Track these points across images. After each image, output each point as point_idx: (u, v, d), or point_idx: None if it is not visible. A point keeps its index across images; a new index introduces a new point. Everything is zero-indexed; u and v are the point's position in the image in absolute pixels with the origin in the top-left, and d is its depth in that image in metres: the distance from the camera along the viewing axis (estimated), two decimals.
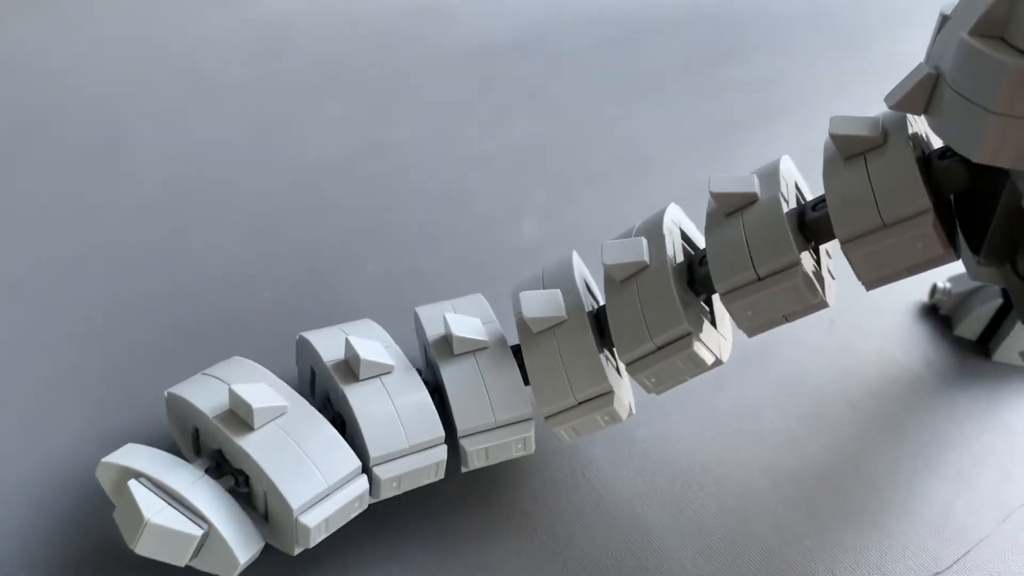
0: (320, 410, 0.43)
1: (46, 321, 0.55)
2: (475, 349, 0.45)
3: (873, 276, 0.38)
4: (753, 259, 0.39)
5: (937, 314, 0.61)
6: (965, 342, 0.59)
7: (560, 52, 0.86)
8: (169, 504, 0.38)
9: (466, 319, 0.46)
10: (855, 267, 0.38)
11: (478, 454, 0.43)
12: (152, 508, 0.37)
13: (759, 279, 0.39)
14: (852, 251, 0.38)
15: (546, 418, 0.44)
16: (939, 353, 0.58)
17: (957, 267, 0.59)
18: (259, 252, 0.61)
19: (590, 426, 0.44)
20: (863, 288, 0.40)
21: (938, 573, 0.46)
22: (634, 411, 0.46)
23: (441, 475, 0.43)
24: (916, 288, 0.61)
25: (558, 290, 0.46)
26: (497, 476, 0.48)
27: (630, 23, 0.90)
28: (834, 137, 0.39)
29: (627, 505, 0.48)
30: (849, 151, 0.39)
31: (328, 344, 0.44)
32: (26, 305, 0.56)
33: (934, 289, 0.61)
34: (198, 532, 0.37)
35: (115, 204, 0.64)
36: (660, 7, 0.93)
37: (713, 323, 0.44)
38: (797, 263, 0.39)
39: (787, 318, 0.40)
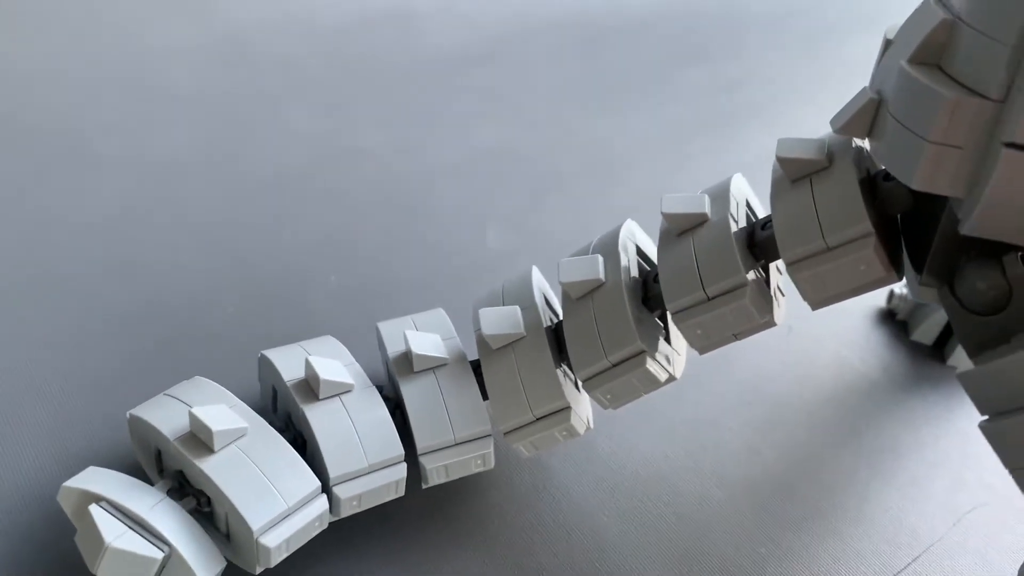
0: (282, 428, 0.43)
1: (4, 339, 0.55)
2: (435, 366, 0.46)
3: (818, 297, 0.39)
4: (702, 280, 0.40)
5: (894, 319, 0.62)
6: (921, 347, 0.60)
7: (524, 59, 0.87)
8: (130, 528, 0.38)
9: (426, 336, 0.46)
10: (800, 288, 0.39)
11: (438, 471, 0.44)
12: (113, 532, 0.37)
13: (708, 299, 0.40)
14: (797, 273, 0.39)
15: (505, 434, 0.45)
16: (895, 358, 0.60)
17: None
18: (221, 265, 0.61)
19: (548, 441, 0.45)
20: None
21: None
22: (592, 425, 0.47)
23: (401, 492, 0.44)
24: (874, 293, 0.63)
25: (517, 307, 0.46)
26: (458, 490, 0.49)
27: (593, 29, 0.91)
28: (781, 160, 0.40)
29: (586, 516, 0.48)
30: (795, 174, 0.40)
31: (288, 363, 0.45)
32: None
33: (891, 295, 0.62)
34: (159, 555, 0.38)
35: (72, 218, 0.64)
36: (623, 12, 0.94)
37: (667, 339, 0.45)
38: (744, 284, 0.39)
39: (736, 336, 0.41)
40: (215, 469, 0.40)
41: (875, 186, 0.40)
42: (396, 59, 0.85)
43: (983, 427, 0.35)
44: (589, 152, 0.76)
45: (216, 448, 0.40)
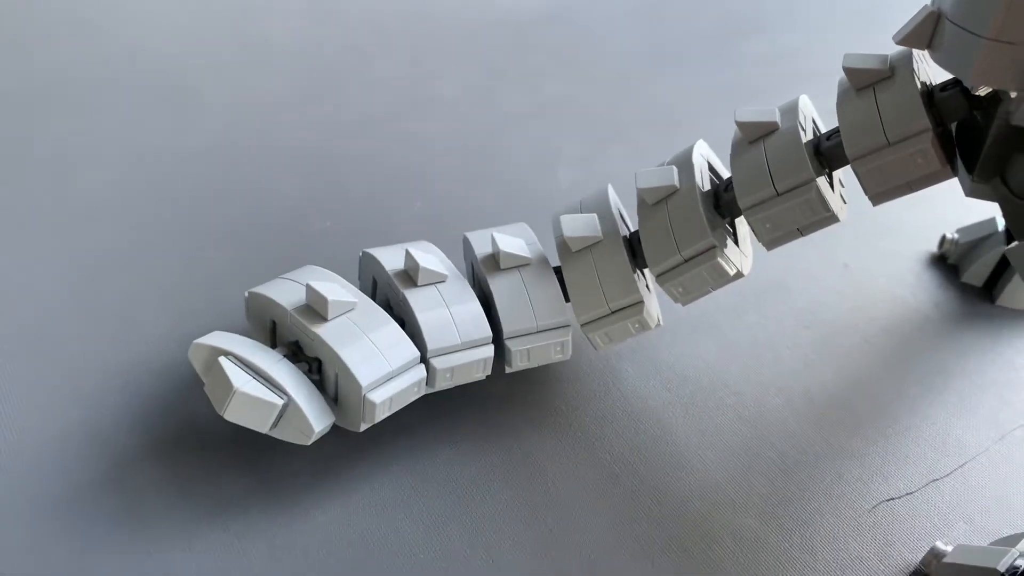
0: None
1: (125, 245, 0.61)
2: (520, 264, 0.50)
3: (879, 190, 0.43)
4: (773, 177, 0.44)
5: (945, 263, 0.65)
6: (971, 288, 0.63)
7: (589, 23, 0.92)
8: (254, 378, 0.43)
9: (512, 239, 0.51)
10: (863, 182, 0.43)
11: (521, 355, 0.48)
12: (240, 380, 0.42)
13: (778, 195, 0.44)
14: (860, 167, 0.43)
15: (582, 326, 0.49)
16: (946, 296, 0.63)
17: (964, 219, 0.64)
18: (315, 191, 0.67)
19: (622, 333, 0.49)
20: (872, 233, 0.44)
21: (936, 479, 0.51)
22: (662, 323, 0.51)
23: (488, 372, 0.48)
24: (926, 239, 0.66)
25: (595, 214, 0.51)
26: (536, 382, 0.53)
27: None
28: (847, 71, 0.44)
29: (653, 412, 0.53)
30: (860, 83, 0.44)
31: (390, 257, 0.50)
32: (113, 225, 0.62)
33: (943, 240, 0.65)
34: (280, 402, 0.43)
35: (182, 148, 0.70)
36: None
37: (736, 242, 0.49)
38: (812, 179, 0.43)
39: (801, 231, 0.45)
40: (329, 333, 0.44)
41: (932, 98, 0.44)
42: (470, 18, 0.90)
43: None
44: (650, 108, 0.80)
45: (329, 317, 0.45)
